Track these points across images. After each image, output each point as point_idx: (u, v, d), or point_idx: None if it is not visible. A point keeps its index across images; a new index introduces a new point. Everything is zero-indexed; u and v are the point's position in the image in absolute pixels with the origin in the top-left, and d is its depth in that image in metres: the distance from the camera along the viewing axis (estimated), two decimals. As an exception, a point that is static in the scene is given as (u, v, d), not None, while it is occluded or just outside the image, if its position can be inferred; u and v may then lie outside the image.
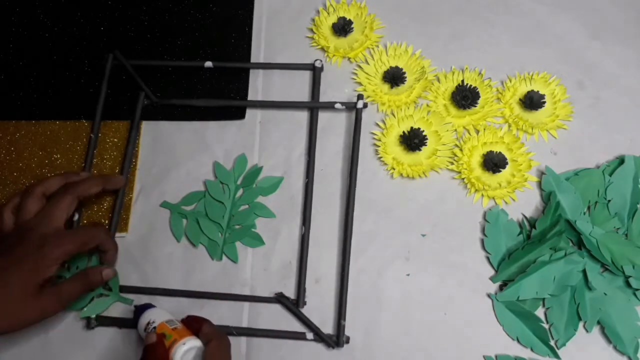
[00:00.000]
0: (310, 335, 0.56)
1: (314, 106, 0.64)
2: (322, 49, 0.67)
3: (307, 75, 0.66)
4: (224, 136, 0.64)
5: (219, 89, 0.66)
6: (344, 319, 0.56)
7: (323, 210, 0.61)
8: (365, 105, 0.63)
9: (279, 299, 0.57)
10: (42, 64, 0.67)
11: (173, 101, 0.65)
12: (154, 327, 0.51)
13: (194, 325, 0.51)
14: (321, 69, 0.66)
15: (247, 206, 0.61)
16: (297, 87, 0.66)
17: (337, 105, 0.63)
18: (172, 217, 0.61)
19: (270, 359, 0.56)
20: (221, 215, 0.60)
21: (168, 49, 0.68)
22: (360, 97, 0.63)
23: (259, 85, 0.66)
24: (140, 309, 0.55)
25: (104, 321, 0.57)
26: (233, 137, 0.64)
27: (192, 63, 0.66)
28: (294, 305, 0.57)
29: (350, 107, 0.63)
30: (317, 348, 0.56)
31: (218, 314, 0.57)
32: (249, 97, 0.65)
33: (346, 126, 0.64)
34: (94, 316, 0.56)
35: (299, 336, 0.56)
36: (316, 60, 0.66)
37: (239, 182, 0.62)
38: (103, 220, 0.61)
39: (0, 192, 0.62)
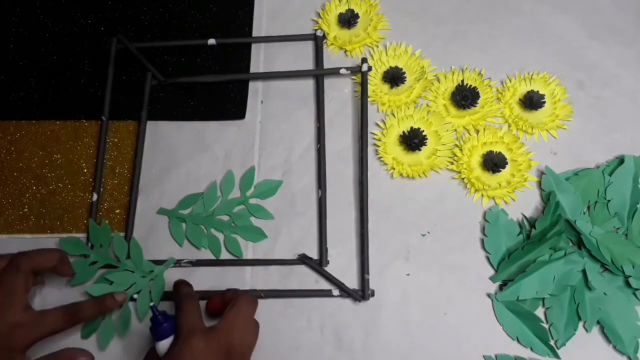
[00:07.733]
0: (336, 292, 0.57)
1: (319, 73, 0.65)
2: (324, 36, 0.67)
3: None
4: (224, 136, 0.64)
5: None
6: (368, 273, 0.57)
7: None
8: (369, 69, 0.64)
9: (303, 259, 0.58)
10: (42, 64, 0.67)
11: (180, 79, 0.65)
12: None
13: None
14: (323, 37, 0.67)
15: (243, 207, 0.61)
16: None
17: (342, 71, 0.65)
18: (171, 223, 0.60)
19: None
20: (217, 216, 0.60)
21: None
22: (364, 60, 0.64)
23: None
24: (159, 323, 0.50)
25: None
26: (233, 137, 0.64)
27: (195, 41, 0.67)
28: (317, 264, 0.58)
29: (355, 71, 0.65)
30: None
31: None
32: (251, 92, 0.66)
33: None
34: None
35: (325, 294, 0.57)
36: (317, 30, 0.67)
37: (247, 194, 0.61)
38: (104, 220, 0.61)
39: (1, 192, 0.62)
